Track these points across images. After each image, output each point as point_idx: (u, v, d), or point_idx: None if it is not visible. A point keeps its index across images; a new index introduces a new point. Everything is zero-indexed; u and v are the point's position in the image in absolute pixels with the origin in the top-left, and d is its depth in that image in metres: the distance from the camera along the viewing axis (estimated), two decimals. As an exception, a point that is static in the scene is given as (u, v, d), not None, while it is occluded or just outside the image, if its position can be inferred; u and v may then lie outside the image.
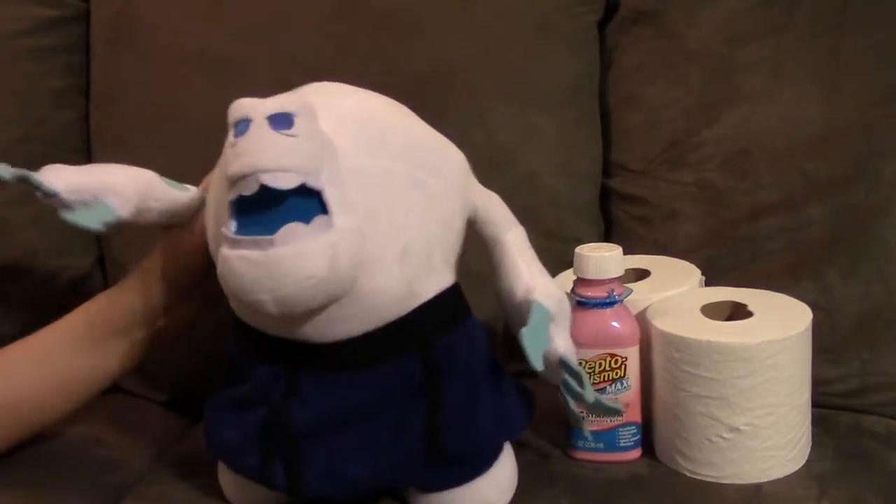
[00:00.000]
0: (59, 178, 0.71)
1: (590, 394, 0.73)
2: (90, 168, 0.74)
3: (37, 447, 0.84)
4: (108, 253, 1.04)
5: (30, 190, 0.71)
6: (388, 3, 0.99)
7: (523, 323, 0.69)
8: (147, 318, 0.79)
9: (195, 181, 0.78)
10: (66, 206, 0.71)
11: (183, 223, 0.76)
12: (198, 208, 0.75)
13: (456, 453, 0.71)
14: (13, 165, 0.72)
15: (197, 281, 0.78)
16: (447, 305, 0.71)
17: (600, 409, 0.75)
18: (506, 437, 0.75)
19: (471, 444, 0.71)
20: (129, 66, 1.03)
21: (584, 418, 0.79)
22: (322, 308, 0.65)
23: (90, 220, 0.70)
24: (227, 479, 0.77)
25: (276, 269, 0.62)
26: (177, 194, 0.75)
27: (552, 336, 0.71)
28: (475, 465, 0.73)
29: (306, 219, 0.62)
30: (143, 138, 1.01)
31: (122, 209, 0.72)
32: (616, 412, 0.77)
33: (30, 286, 1.00)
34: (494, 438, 0.73)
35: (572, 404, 0.75)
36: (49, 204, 0.72)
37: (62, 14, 1.05)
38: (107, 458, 0.86)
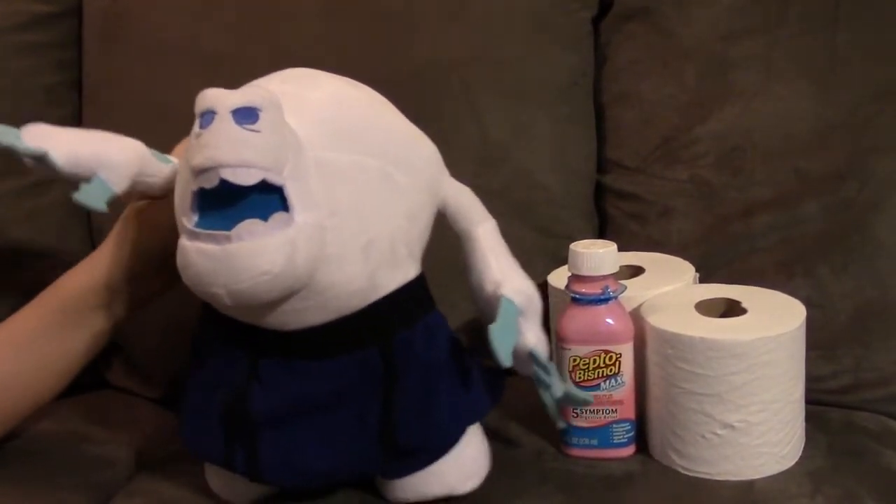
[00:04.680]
0: (58, 148, 0.70)
1: (557, 387, 0.73)
2: (85, 137, 0.73)
3: (28, 444, 0.84)
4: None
5: (19, 157, 0.70)
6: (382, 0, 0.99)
7: (492, 318, 0.69)
8: (123, 289, 0.79)
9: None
10: (58, 176, 0.70)
11: (162, 194, 0.75)
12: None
13: (412, 446, 0.71)
14: (4, 164, 0.71)
15: (171, 253, 0.77)
16: (409, 298, 0.72)
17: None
18: (464, 425, 0.74)
19: (427, 438, 0.72)
20: (121, 62, 1.03)
21: (560, 416, 0.79)
22: (281, 301, 0.66)
23: (96, 199, 0.69)
24: (214, 474, 0.77)
25: (231, 263, 0.62)
26: (163, 167, 0.74)
27: (522, 330, 0.71)
28: (431, 453, 0.73)
29: (265, 215, 0.63)
30: (135, 134, 0.99)
31: (117, 185, 0.71)
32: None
33: (23, 281, 0.99)
34: (452, 432, 0.73)
35: (548, 398, 0.75)
36: (35, 169, 0.71)
37: (54, 10, 1.04)
38: (98, 455, 0.86)
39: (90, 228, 1.04)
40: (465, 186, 0.75)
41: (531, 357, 0.72)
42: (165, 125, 0.98)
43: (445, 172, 0.74)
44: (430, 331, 0.72)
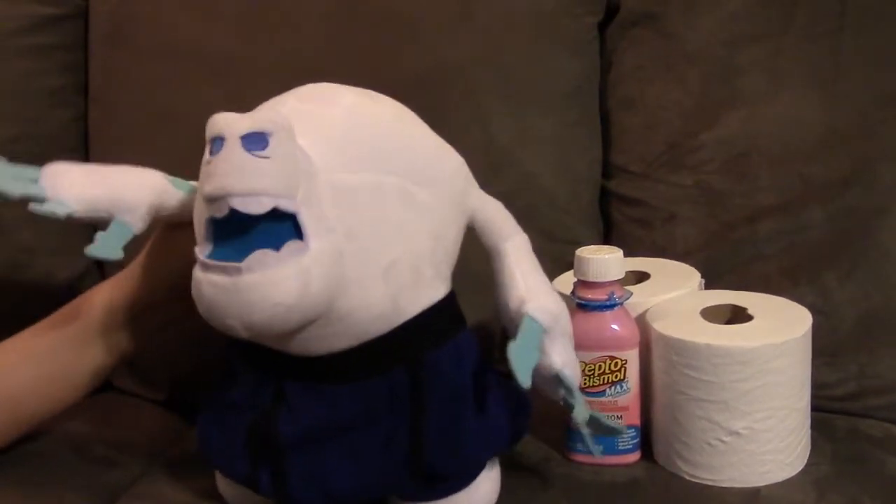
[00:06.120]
0: (71, 193, 0.70)
1: (580, 411, 0.71)
2: (100, 177, 0.72)
3: (33, 446, 0.84)
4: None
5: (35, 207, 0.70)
6: (387, 3, 0.99)
7: (515, 336, 0.68)
8: (145, 312, 0.79)
9: (193, 179, 0.77)
10: (78, 222, 0.71)
11: (184, 221, 0.75)
12: None
13: (439, 469, 0.70)
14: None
15: None
16: (436, 320, 0.70)
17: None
18: (491, 453, 0.73)
19: (455, 461, 0.70)
20: (127, 65, 1.02)
21: (593, 442, 0.75)
22: (300, 329, 0.64)
23: (112, 250, 0.69)
24: (224, 481, 0.76)
25: (243, 296, 0.61)
26: (182, 196, 0.74)
27: (547, 350, 0.69)
28: (458, 479, 0.72)
29: (277, 244, 0.61)
30: (141, 137, 1.01)
31: (136, 226, 0.71)
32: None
33: (26, 286, 0.99)
34: (478, 455, 0.72)
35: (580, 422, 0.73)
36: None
37: (60, 12, 1.04)
38: (104, 458, 0.86)
39: (94, 231, 1.04)
40: (494, 199, 0.73)
41: (558, 380, 0.69)
42: (171, 128, 1.00)
43: (474, 185, 0.72)
44: (459, 352, 0.70)
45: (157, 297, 0.78)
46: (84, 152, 1.05)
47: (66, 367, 0.79)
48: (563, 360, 0.70)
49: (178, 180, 0.75)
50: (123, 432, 0.91)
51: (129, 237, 0.71)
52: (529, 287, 0.70)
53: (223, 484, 0.76)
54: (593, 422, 0.72)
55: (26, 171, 0.71)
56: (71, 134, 1.05)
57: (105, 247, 0.69)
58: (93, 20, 1.05)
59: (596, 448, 0.75)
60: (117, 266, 0.84)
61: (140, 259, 0.79)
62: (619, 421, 0.79)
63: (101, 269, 1.04)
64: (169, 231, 0.78)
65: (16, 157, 0.74)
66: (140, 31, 1.02)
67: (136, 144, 1.01)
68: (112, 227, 0.70)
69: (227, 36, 1.00)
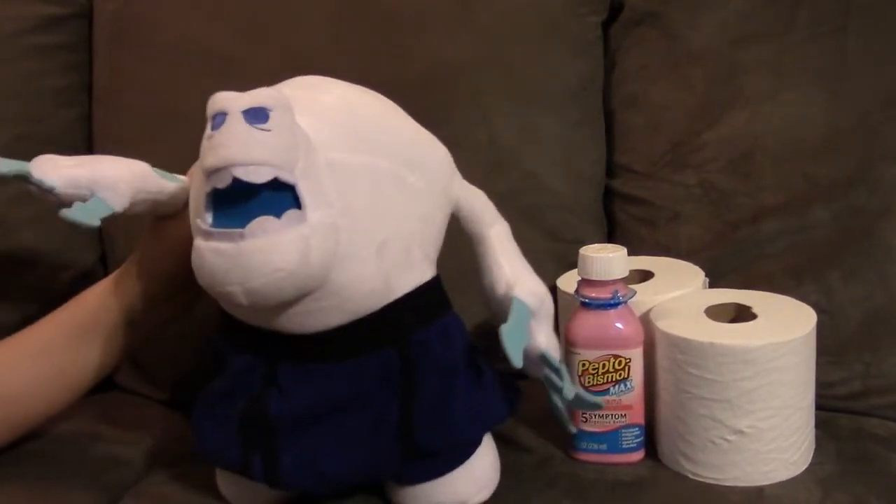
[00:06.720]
0: (55, 172, 0.71)
1: (568, 389, 0.73)
2: (84, 160, 0.74)
3: (37, 445, 0.84)
4: (110, 250, 1.03)
5: (26, 186, 0.71)
6: (391, 3, 0.99)
7: (504, 319, 0.70)
8: (142, 309, 0.79)
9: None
10: (63, 202, 0.71)
11: (174, 213, 0.76)
12: (187, 198, 0.75)
13: (431, 447, 0.71)
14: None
15: (191, 274, 0.77)
16: (425, 300, 0.72)
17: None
18: (481, 431, 0.75)
19: (445, 439, 0.72)
20: (131, 65, 1.03)
21: (569, 420, 0.79)
22: (296, 300, 0.66)
23: (87, 216, 0.69)
24: (224, 479, 0.77)
25: (245, 261, 0.63)
26: (168, 185, 0.75)
27: (533, 332, 0.72)
28: (450, 458, 0.73)
29: (278, 212, 0.63)
30: (145, 136, 1.01)
31: (117, 203, 0.72)
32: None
33: (32, 285, 0.99)
34: (469, 433, 0.73)
35: (558, 401, 0.76)
36: (43, 199, 0.71)
37: (65, 12, 1.05)
38: (107, 456, 0.86)
39: (99, 232, 1.04)
40: (477, 189, 0.76)
41: (542, 359, 0.72)
42: (175, 127, 0.99)
43: (457, 175, 0.75)
44: (447, 332, 0.72)
45: (154, 291, 0.78)
46: (88, 152, 1.05)
47: (63, 367, 0.79)
48: (548, 341, 0.73)
49: (163, 172, 0.76)
50: (126, 431, 0.91)
51: (108, 213, 0.71)
52: (515, 271, 0.73)
53: (224, 482, 0.77)
54: (579, 399, 0.75)
55: (14, 161, 0.71)
56: (75, 134, 1.05)
57: (82, 213, 0.69)
58: (97, 20, 1.05)
59: (572, 426, 0.79)
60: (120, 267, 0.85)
61: (134, 255, 0.80)
62: (624, 419, 0.79)
63: (107, 268, 1.04)
64: (159, 224, 0.78)
65: (19, 157, 0.74)
66: (144, 31, 1.02)
67: (141, 144, 1.00)
68: (92, 200, 0.71)
69: (232, 36, 1.00)
